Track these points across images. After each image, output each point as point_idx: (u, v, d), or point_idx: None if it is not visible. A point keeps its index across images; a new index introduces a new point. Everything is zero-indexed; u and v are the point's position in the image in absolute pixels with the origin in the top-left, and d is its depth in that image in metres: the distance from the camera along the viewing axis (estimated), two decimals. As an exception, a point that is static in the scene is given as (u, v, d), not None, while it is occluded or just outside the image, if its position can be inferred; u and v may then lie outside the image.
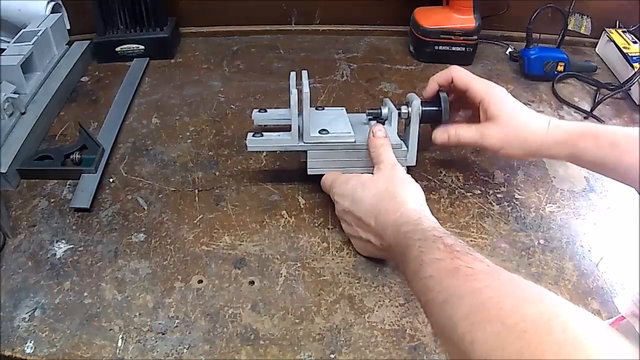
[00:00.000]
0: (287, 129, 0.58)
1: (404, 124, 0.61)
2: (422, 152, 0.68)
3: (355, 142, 0.58)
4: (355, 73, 0.86)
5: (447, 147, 0.64)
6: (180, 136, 0.72)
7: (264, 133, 0.59)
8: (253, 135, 0.59)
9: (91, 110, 0.76)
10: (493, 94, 0.58)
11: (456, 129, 0.60)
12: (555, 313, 0.31)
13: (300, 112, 0.56)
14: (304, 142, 0.58)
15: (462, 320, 0.34)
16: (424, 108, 0.60)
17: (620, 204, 0.63)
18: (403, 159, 0.59)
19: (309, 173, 0.60)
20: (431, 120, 0.61)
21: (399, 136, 0.60)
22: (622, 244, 0.58)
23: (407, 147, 0.60)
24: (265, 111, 0.63)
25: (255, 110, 0.64)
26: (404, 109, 0.60)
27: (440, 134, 0.61)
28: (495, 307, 0.33)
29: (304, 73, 0.58)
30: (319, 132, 0.58)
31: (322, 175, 0.59)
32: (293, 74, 0.59)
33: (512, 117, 0.56)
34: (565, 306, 0.32)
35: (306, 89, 0.55)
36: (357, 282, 0.53)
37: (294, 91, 0.55)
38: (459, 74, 0.60)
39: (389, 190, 0.51)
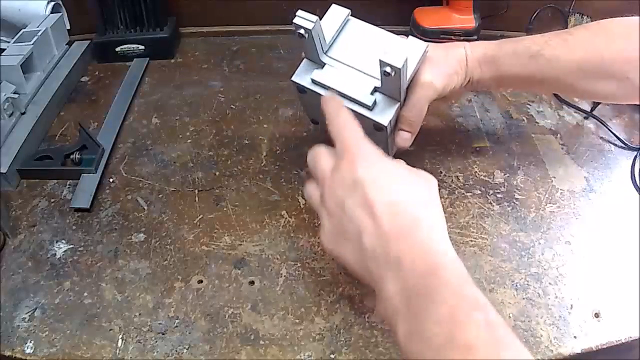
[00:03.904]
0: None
1: None
2: (422, 152, 0.68)
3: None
4: (355, 73, 0.86)
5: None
6: (180, 136, 0.72)
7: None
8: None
9: (91, 110, 0.76)
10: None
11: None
12: None
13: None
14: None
15: None
16: None
17: (620, 204, 0.63)
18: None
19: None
20: None
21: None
22: (622, 244, 0.58)
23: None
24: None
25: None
26: None
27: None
28: None
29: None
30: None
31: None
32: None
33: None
34: None
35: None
36: (357, 282, 0.53)
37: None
38: None
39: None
